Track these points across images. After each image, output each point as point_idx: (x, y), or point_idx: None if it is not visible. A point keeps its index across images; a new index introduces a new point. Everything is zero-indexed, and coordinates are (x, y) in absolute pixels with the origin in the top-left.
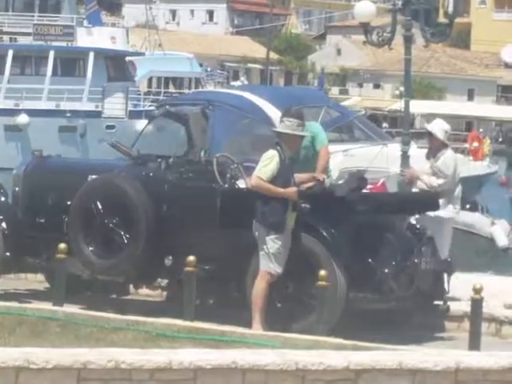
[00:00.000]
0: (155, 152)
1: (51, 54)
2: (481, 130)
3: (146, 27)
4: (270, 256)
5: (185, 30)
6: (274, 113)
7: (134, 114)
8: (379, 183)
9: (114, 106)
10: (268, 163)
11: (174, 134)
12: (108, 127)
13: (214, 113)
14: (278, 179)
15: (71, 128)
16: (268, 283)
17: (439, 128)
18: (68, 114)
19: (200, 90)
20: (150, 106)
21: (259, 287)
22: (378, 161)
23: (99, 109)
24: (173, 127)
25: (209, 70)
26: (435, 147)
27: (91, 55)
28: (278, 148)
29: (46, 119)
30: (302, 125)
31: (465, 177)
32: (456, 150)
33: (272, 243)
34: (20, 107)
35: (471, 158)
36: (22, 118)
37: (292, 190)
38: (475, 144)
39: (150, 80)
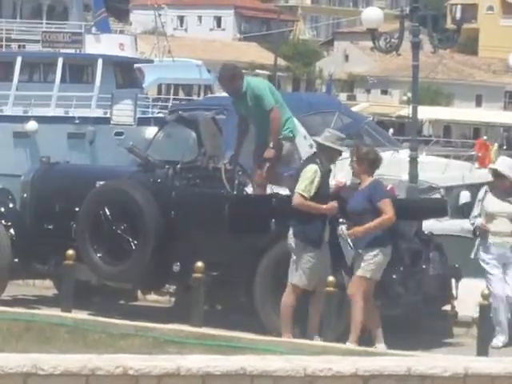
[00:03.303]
0: (168, 157)
1: (60, 60)
2: (485, 138)
3: (153, 33)
4: (303, 271)
5: (193, 36)
6: None
7: (143, 121)
8: (388, 187)
9: (123, 112)
10: (311, 180)
11: (187, 140)
12: (117, 134)
13: (228, 118)
14: (319, 195)
15: (80, 135)
16: (296, 297)
17: (510, 168)
18: (77, 121)
19: (213, 95)
20: (159, 112)
21: (288, 301)
22: (390, 167)
23: (108, 115)
24: (186, 132)
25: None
26: (507, 188)
27: (100, 62)
28: (317, 161)
29: (54, 126)
30: (341, 138)
31: (471, 184)
32: (461, 158)
33: (309, 258)
34: (29, 114)
35: (477, 165)
36: (31, 125)
37: (332, 205)
38: (480, 154)
39: (159, 87)
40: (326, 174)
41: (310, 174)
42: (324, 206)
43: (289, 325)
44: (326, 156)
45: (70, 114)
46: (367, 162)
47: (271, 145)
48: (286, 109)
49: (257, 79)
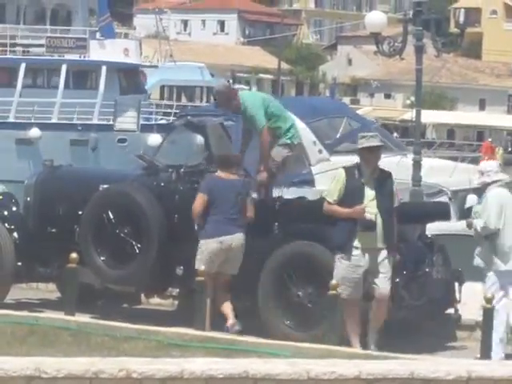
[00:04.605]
0: (176, 162)
1: (64, 67)
2: (489, 140)
3: (156, 37)
4: (339, 279)
5: (196, 41)
6: (297, 124)
7: (146, 128)
8: None
9: (126, 119)
10: (334, 185)
11: (195, 145)
12: (120, 141)
13: (236, 124)
14: (345, 198)
15: (83, 142)
16: (350, 307)
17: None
18: (79, 128)
19: None
20: (162, 119)
21: (344, 315)
22: (398, 171)
23: (111, 122)
24: (194, 138)
25: (230, 81)
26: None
27: (104, 69)
28: (351, 166)
29: (57, 133)
30: (372, 136)
31: (477, 187)
32: (465, 160)
33: (339, 264)
34: (32, 121)
35: None
36: (34, 132)
37: (358, 208)
38: (486, 157)
39: (161, 90)
40: (369, 180)
41: (333, 179)
42: (347, 210)
43: (355, 337)
44: (363, 160)
45: (73, 121)
46: (217, 160)
47: (262, 168)
48: (286, 117)
49: (250, 96)
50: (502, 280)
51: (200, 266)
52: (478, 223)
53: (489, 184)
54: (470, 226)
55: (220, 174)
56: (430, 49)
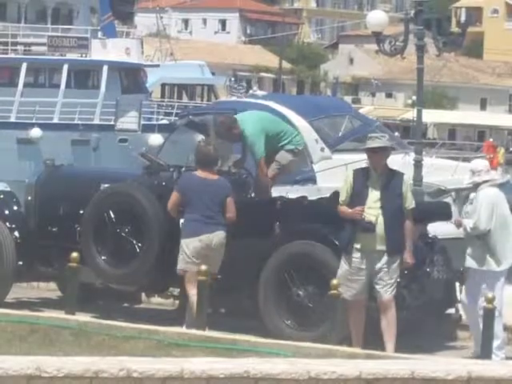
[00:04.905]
0: (178, 162)
1: (65, 66)
2: (491, 140)
3: (157, 36)
4: (340, 279)
5: (197, 39)
6: (299, 122)
7: (147, 128)
8: None
9: (127, 119)
10: (342, 186)
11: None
12: (121, 140)
13: None
14: (352, 199)
15: (84, 142)
16: (353, 308)
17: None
18: (81, 128)
19: (224, 99)
20: (163, 119)
21: (347, 315)
22: (401, 169)
23: (112, 122)
24: (195, 137)
25: (232, 79)
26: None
27: (105, 68)
28: (361, 167)
29: (58, 133)
30: (378, 137)
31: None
32: (465, 159)
33: (342, 264)
34: (33, 121)
35: None
36: (35, 132)
37: (357, 209)
38: (489, 156)
39: (162, 88)
40: (376, 181)
41: (343, 180)
42: (349, 210)
43: (358, 338)
44: (369, 161)
45: (75, 121)
46: (196, 158)
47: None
48: (288, 130)
49: (250, 124)
50: (498, 280)
51: (182, 265)
52: (468, 223)
53: (479, 184)
54: (459, 225)
55: (200, 172)
56: (431, 48)
